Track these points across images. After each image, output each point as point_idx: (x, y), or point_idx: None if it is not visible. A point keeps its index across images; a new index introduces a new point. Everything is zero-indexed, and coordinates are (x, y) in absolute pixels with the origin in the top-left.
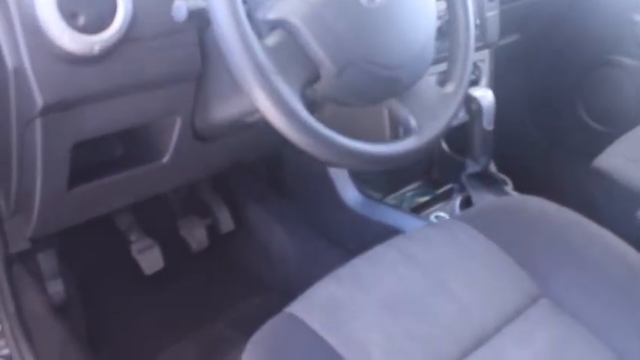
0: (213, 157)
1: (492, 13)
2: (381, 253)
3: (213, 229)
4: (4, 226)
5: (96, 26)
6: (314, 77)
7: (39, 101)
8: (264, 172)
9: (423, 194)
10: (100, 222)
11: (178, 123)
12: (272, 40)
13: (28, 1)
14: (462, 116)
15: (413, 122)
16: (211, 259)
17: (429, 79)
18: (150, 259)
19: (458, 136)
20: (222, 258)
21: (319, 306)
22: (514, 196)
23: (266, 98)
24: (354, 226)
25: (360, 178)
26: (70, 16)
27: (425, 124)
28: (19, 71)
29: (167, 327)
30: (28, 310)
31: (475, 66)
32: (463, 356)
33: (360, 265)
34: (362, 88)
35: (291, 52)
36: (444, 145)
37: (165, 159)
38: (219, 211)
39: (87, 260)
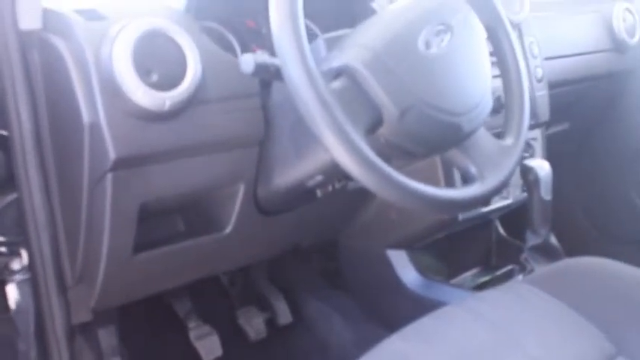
0: (275, 234)
1: (541, 93)
2: (448, 311)
3: (271, 321)
4: (67, 295)
5: (168, 84)
6: (377, 120)
7: (112, 155)
8: (319, 263)
9: (484, 276)
10: (159, 307)
11: (241, 191)
12: (337, 84)
13: (106, 58)
14: (518, 196)
15: (474, 171)
16: (270, 349)
17: (487, 133)
18: (208, 346)
19: (514, 220)
20: (280, 349)
21: (388, 359)
22: (579, 258)
23: (332, 135)
24: (416, 311)
25: (418, 265)
26: (144, 73)
27: (487, 173)
28: (94, 126)
29: None
30: None
31: (528, 145)
32: None
33: (426, 322)
34: (424, 134)
35: (354, 95)
36: (501, 230)
37: (228, 230)
38: (277, 303)
39: (145, 343)
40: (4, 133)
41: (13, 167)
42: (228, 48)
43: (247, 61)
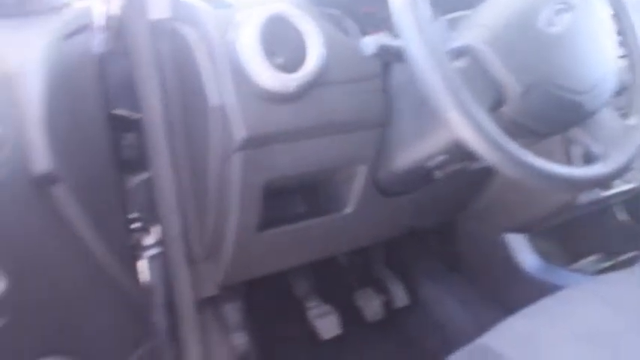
0: (394, 215)
1: None
2: (570, 293)
3: (387, 303)
4: (196, 270)
5: (292, 65)
6: (500, 99)
7: (239, 136)
8: (435, 246)
9: (605, 261)
10: (279, 286)
11: (362, 172)
12: (460, 64)
13: (232, 43)
14: None
15: (597, 150)
16: (386, 330)
17: (611, 111)
18: (327, 324)
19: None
20: (397, 331)
21: (512, 338)
22: None
23: (458, 113)
24: (535, 295)
25: (536, 249)
26: (270, 56)
27: (611, 152)
28: (220, 108)
29: None
30: (214, 358)
31: None
32: None
33: (548, 303)
34: (547, 112)
35: (477, 74)
36: (624, 215)
37: (348, 210)
38: (394, 286)
39: (266, 320)
40: (138, 116)
41: (145, 148)
42: (347, 33)
43: (369, 44)
